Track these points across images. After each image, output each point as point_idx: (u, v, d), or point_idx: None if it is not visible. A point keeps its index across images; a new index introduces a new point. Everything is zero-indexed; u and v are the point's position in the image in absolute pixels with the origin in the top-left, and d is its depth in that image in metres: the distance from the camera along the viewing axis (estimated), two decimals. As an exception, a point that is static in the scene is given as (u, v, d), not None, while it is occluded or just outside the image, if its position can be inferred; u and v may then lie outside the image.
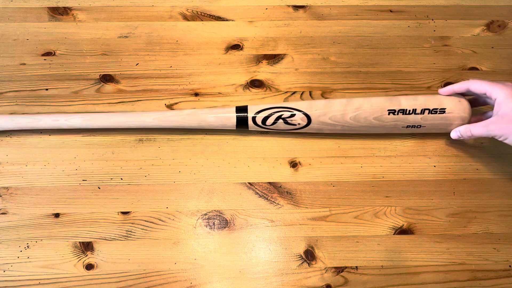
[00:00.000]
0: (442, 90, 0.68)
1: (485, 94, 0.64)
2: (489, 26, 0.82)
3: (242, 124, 0.68)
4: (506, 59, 0.79)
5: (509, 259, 0.65)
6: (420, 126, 0.67)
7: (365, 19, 0.83)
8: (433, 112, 0.66)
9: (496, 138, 0.62)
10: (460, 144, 0.72)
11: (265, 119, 0.67)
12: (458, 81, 0.69)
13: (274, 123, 0.67)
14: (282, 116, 0.67)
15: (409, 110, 0.66)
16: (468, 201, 0.68)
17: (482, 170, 0.70)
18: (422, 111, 0.66)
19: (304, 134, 0.72)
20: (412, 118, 0.66)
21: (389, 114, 0.66)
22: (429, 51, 0.80)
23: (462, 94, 0.68)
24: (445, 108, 0.66)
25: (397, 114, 0.66)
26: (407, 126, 0.67)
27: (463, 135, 0.66)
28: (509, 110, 0.60)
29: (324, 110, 0.67)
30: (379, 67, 0.78)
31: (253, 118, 0.67)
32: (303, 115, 0.67)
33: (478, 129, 0.63)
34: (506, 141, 0.61)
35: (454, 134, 0.68)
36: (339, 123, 0.67)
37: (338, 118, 0.67)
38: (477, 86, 0.64)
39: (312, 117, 0.67)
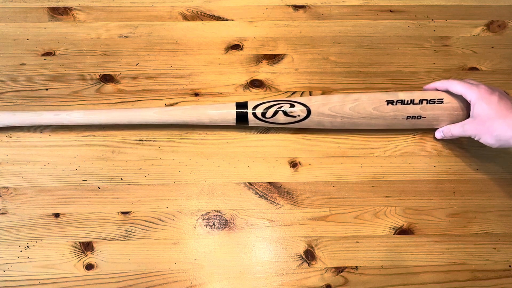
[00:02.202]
0: (426, 87, 0.70)
1: (462, 95, 0.66)
2: (489, 26, 0.82)
3: (242, 119, 0.68)
4: (506, 59, 0.79)
5: (509, 259, 0.65)
6: (421, 117, 0.68)
7: (365, 19, 0.83)
8: (431, 102, 0.67)
9: (472, 137, 0.65)
10: (460, 144, 0.72)
11: (264, 112, 0.68)
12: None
13: (273, 115, 0.68)
14: (282, 108, 0.68)
15: (407, 101, 0.67)
16: (468, 201, 0.68)
17: (482, 170, 0.70)
18: (421, 101, 0.67)
19: (304, 133, 0.72)
20: (412, 109, 0.67)
21: (387, 104, 0.67)
22: (429, 51, 0.80)
23: None
24: (442, 99, 0.67)
25: (396, 104, 0.67)
26: (407, 117, 0.68)
27: (445, 135, 0.69)
28: (481, 112, 0.62)
29: (323, 102, 0.68)
30: (379, 67, 0.78)
31: (253, 111, 0.68)
32: (303, 107, 0.68)
33: (456, 129, 0.66)
34: (480, 141, 0.63)
35: (438, 134, 0.71)
36: (338, 114, 0.68)
37: (337, 109, 0.67)
38: (455, 87, 0.66)
39: (311, 108, 0.68)
